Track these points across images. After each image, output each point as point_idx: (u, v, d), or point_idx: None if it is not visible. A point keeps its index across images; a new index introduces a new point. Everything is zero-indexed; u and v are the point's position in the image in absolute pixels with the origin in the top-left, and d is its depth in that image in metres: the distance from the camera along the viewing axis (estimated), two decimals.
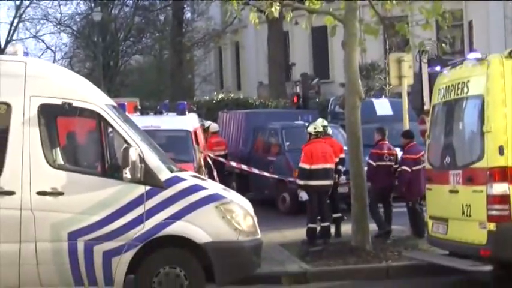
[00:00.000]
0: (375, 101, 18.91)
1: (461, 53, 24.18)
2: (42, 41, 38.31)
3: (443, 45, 10.24)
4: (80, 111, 7.60)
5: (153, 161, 7.55)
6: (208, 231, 7.44)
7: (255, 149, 16.95)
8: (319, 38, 31.05)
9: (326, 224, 11.26)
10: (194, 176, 8.17)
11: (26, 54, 8.36)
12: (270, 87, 29.35)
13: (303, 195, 11.18)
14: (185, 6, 35.24)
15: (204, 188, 7.63)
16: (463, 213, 8.32)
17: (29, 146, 7.39)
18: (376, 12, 10.33)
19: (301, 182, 11.25)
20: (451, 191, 8.58)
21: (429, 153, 9.49)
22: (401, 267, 9.41)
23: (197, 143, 14.03)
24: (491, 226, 7.90)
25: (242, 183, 16.31)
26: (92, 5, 35.69)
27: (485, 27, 28.08)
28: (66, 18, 37.11)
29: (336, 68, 30.99)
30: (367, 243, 10.10)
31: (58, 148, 7.89)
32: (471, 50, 12.26)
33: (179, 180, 7.59)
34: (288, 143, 15.50)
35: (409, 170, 11.15)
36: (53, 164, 7.51)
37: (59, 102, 7.52)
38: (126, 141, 7.51)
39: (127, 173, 7.30)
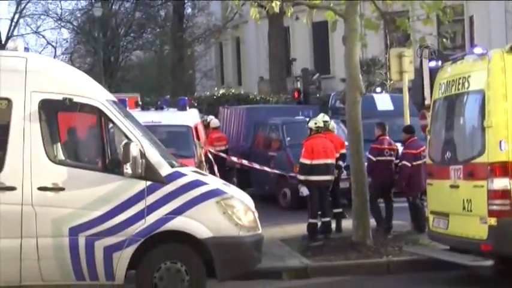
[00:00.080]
0: (376, 96, 18.91)
1: (462, 48, 24.18)
2: (43, 36, 38.33)
3: (444, 40, 10.24)
4: (81, 106, 7.60)
5: (154, 156, 7.56)
6: (209, 226, 7.45)
7: (256, 145, 16.96)
8: (320, 33, 31.01)
9: (327, 219, 11.27)
10: (195, 172, 8.17)
11: (27, 49, 8.39)
12: (271, 83, 29.35)
13: (304, 191, 11.20)
14: (186, 1, 35.23)
15: (204, 183, 7.64)
16: (464, 208, 8.33)
17: (29, 141, 7.39)
18: (376, 7, 10.32)
19: (302, 177, 11.26)
20: (452, 186, 8.58)
21: (430, 148, 9.49)
22: (402, 262, 9.41)
23: (198, 139, 14.03)
24: (492, 221, 7.90)
25: (243, 179, 16.32)
26: (93, 0, 35.66)
27: (486, 22, 28.03)
28: (66, 13, 37.17)
29: (336, 63, 30.96)
30: (368, 238, 10.11)
31: (59, 143, 7.89)
32: (472, 45, 12.20)
33: (180, 175, 7.60)
34: (288, 139, 15.51)
35: (409, 165, 11.16)
36: (53, 160, 7.52)
37: (59, 97, 7.52)
38: (127, 137, 7.51)
39: (128, 169, 7.31)
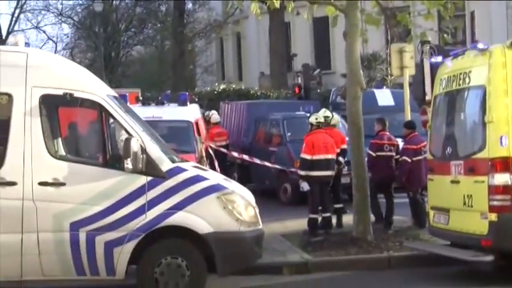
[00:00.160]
0: (377, 91, 18.90)
1: (463, 44, 24.14)
2: (44, 31, 38.29)
3: (445, 35, 10.23)
4: (82, 101, 7.60)
5: (155, 151, 7.56)
6: (209, 221, 7.46)
7: (257, 140, 16.96)
8: (321, 28, 30.98)
9: (327, 214, 11.27)
10: (196, 167, 8.17)
11: (28, 44, 8.37)
12: (272, 78, 29.32)
13: (304, 186, 11.20)
14: None
15: (205, 179, 7.64)
16: (465, 203, 8.33)
17: (30, 136, 7.40)
18: (377, 2, 10.31)
19: (302, 173, 11.26)
20: (453, 182, 8.58)
21: (431, 144, 9.48)
22: (403, 257, 9.42)
23: (199, 134, 14.03)
24: (493, 216, 7.90)
25: (243, 174, 16.33)
26: None
27: (487, 17, 27.98)
28: (67, 8, 37.13)
29: (337, 59, 30.92)
30: (369, 233, 10.12)
31: (60, 139, 7.90)
32: (473, 40, 12.23)
33: (181, 170, 7.60)
34: (289, 134, 15.51)
35: (409, 160, 11.15)
36: (54, 155, 7.52)
37: (60, 92, 7.53)
38: (127, 132, 7.52)
39: (128, 164, 7.32)
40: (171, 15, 34.52)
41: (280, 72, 28.95)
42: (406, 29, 10.59)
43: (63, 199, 7.34)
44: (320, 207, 11.24)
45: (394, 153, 11.54)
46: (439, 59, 9.56)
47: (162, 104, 14.51)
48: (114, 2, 36.64)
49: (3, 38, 33.09)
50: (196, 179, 7.58)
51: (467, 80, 8.61)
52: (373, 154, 11.34)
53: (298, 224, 11.61)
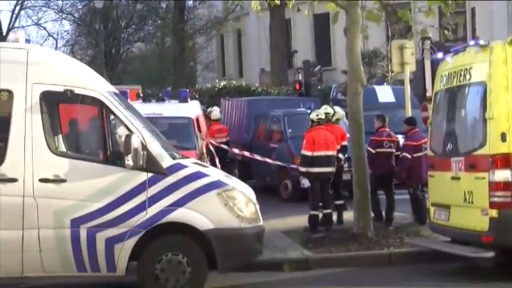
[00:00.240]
0: (377, 88, 18.88)
1: (464, 40, 24.10)
2: (44, 28, 38.27)
3: (446, 32, 10.21)
4: (82, 98, 7.61)
5: (155, 148, 7.56)
6: (210, 218, 7.46)
7: (257, 137, 16.95)
8: (321, 25, 30.94)
9: (328, 211, 11.27)
10: (196, 163, 8.17)
11: (28, 41, 8.39)
12: (272, 75, 29.31)
13: (305, 182, 11.19)
14: None
15: (206, 175, 7.64)
16: (465, 200, 8.33)
17: (31, 133, 7.40)
18: None
19: (303, 169, 11.26)
20: (453, 178, 8.58)
21: (431, 140, 9.48)
22: (403, 254, 9.42)
23: (199, 130, 14.03)
24: (493, 213, 7.91)
25: (244, 171, 16.33)
26: None
27: (488, 13, 27.94)
28: (67, 5, 37.07)
29: (338, 55, 30.90)
30: (369, 230, 10.11)
31: (60, 135, 7.92)
32: (474, 37, 12.23)
33: (181, 167, 7.60)
34: (290, 130, 15.50)
35: (409, 156, 11.15)
36: (55, 151, 7.53)
37: (61, 89, 7.53)
38: (128, 129, 7.51)
39: (129, 160, 7.32)
40: (172, 12, 34.48)
41: (280, 69, 28.93)
42: (406, 25, 10.57)
43: (63, 196, 7.35)
44: (321, 204, 11.24)
45: (393, 150, 11.53)
46: (440, 55, 9.55)
47: (163, 100, 14.52)
48: None
49: (4, 34, 33.07)
50: (197, 176, 7.58)
51: (467, 76, 8.60)
52: (373, 151, 11.33)
53: (299, 220, 11.61)
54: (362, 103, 10.31)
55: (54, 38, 38.26)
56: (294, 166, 13.73)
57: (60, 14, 37.30)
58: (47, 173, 7.35)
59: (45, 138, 7.44)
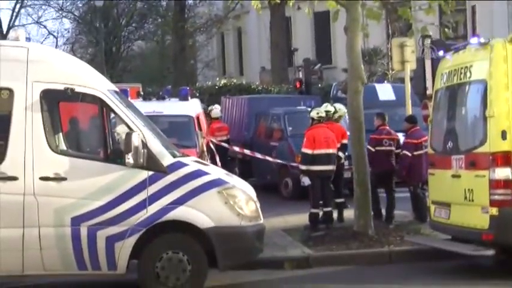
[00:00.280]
0: (378, 86, 18.87)
1: (464, 38, 24.08)
2: (44, 26, 38.25)
3: (446, 29, 10.20)
4: (83, 96, 7.60)
5: (156, 146, 7.56)
6: (210, 216, 7.46)
7: (258, 135, 16.95)
8: (322, 23, 30.91)
9: (328, 209, 11.27)
10: (197, 162, 8.17)
11: (28, 39, 8.41)
12: (273, 73, 29.30)
13: (305, 181, 11.19)
14: None
15: (206, 173, 7.64)
16: (466, 197, 8.33)
17: (31, 131, 7.40)
18: None
19: (303, 167, 11.26)
20: (454, 176, 8.58)
21: (432, 138, 9.48)
22: (404, 252, 9.42)
23: (200, 129, 14.03)
24: (494, 211, 7.91)
25: (245, 169, 16.32)
26: None
27: (488, 11, 27.91)
28: (68, 3, 37.03)
29: (338, 53, 30.91)
30: (370, 228, 10.11)
31: (60, 133, 7.92)
32: (474, 34, 12.22)
33: (182, 165, 7.60)
34: (290, 129, 15.49)
35: (409, 154, 11.14)
36: (55, 150, 7.53)
37: (61, 87, 7.52)
38: (128, 127, 7.51)
39: (129, 159, 7.31)
40: (172, 10, 34.45)
41: (281, 67, 28.92)
42: (407, 23, 10.58)
43: (64, 194, 7.34)
44: (321, 202, 11.24)
45: (393, 148, 11.52)
46: (441, 53, 9.54)
47: (163, 98, 14.51)
48: None
49: (4, 33, 33.05)
50: (198, 174, 7.58)
51: (468, 74, 8.59)
52: (372, 149, 11.30)
53: (299, 218, 11.61)
54: (362, 101, 10.31)
55: (54, 36, 38.29)
56: (294, 164, 13.73)
57: (60, 12, 37.31)
58: (47, 171, 7.35)
59: (46, 137, 7.43)
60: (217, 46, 40.70)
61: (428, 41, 11.42)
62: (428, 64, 12.23)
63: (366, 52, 25.35)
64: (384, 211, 11.44)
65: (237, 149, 15.91)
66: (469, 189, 8.29)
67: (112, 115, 7.73)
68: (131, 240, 7.36)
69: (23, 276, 7.47)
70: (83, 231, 7.33)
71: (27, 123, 7.41)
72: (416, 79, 13.56)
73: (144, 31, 38.40)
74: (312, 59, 28.59)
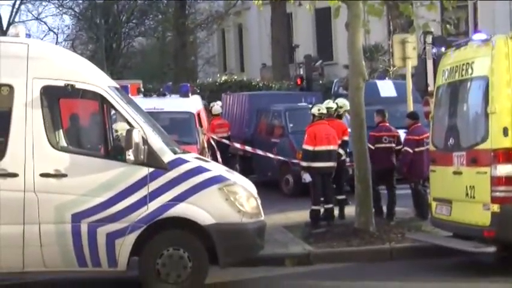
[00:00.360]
0: (379, 82, 18.83)
1: (466, 34, 24.03)
2: (45, 23, 38.22)
3: (448, 26, 10.18)
4: (83, 93, 7.58)
5: (156, 142, 7.54)
6: (211, 213, 7.44)
7: (258, 131, 16.93)
8: (323, 19, 30.88)
9: (330, 206, 11.26)
10: (197, 158, 8.15)
11: (28, 36, 8.34)
12: (274, 69, 29.27)
13: (306, 177, 11.17)
14: None
15: (207, 170, 7.62)
16: (467, 194, 8.31)
17: (31, 128, 7.37)
18: None
19: (304, 164, 11.24)
20: (455, 173, 8.56)
21: (433, 135, 9.46)
22: (405, 248, 9.41)
23: (200, 125, 14.01)
24: (495, 207, 7.89)
25: (245, 166, 16.32)
26: None
27: (490, 8, 27.86)
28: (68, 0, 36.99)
29: (339, 50, 30.85)
30: (371, 225, 10.10)
31: (61, 130, 7.91)
32: (476, 31, 12.17)
33: (182, 162, 7.58)
34: (291, 125, 15.48)
35: (410, 151, 11.12)
36: (56, 146, 7.51)
37: (61, 84, 7.50)
38: (129, 123, 7.49)
39: (130, 155, 7.29)
40: (173, 6, 34.42)
41: (282, 64, 28.89)
42: (408, 19, 10.54)
43: (64, 190, 7.33)
44: (322, 199, 11.22)
45: (394, 145, 11.49)
46: (442, 49, 9.52)
47: (164, 95, 14.49)
48: None
49: (4, 29, 33.05)
50: (198, 170, 7.56)
51: (469, 70, 8.57)
52: (372, 147, 11.23)
53: (300, 215, 11.60)
54: (363, 98, 10.29)
55: (54, 32, 38.24)
56: (295, 161, 13.72)
57: (60, 9, 37.26)
58: (47, 168, 7.33)
59: (46, 133, 7.41)
60: (218, 42, 40.67)
61: (429, 38, 11.39)
62: (429, 60, 12.19)
63: (367, 48, 25.31)
64: (384, 208, 11.42)
65: (238, 145, 15.90)
66: (470, 186, 8.27)
67: (112, 112, 7.70)
68: (132, 237, 7.35)
69: (23, 273, 7.46)
70: (84, 227, 7.32)
71: (28, 120, 7.39)
72: (418, 75, 13.53)
73: (145, 27, 38.35)
74: (313, 55, 28.56)
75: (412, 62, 13.00)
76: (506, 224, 7.85)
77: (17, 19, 35.51)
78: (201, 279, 7.57)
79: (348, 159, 12.11)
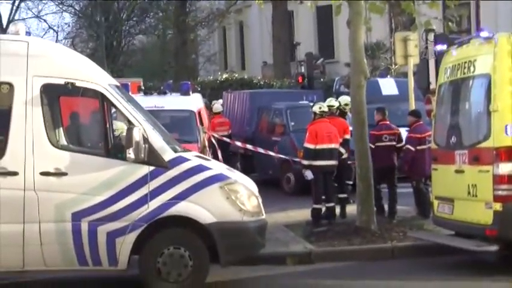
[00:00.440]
0: (381, 80, 18.79)
1: (468, 32, 23.98)
2: (45, 20, 38.26)
3: (450, 23, 10.13)
4: (83, 91, 7.55)
5: (157, 141, 7.51)
6: (212, 211, 7.42)
7: (260, 130, 16.89)
8: (324, 17, 30.87)
9: (331, 204, 11.22)
10: (198, 156, 8.13)
11: (28, 33, 8.30)
12: (275, 67, 29.24)
13: (308, 174, 11.11)
14: None
15: (208, 168, 7.59)
16: (469, 193, 8.28)
17: (31, 126, 7.34)
18: None
19: (305, 162, 11.21)
20: (457, 171, 8.53)
21: (435, 133, 9.42)
22: (407, 247, 9.38)
23: (201, 123, 13.98)
24: (498, 206, 7.86)
25: (247, 164, 16.29)
26: None
27: (492, 5, 27.80)
28: None
29: (341, 48, 30.83)
30: (372, 223, 10.07)
31: (61, 128, 7.87)
32: (478, 28, 12.15)
33: (183, 160, 7.55)
34: (292, 123, 15.43)
35: (412, 149, 11.08)
36: (56, 145, 7.48)
37: (61, 82, 7.47)
38: (129, 122, 7.47)
39: (131, 154, 7.27)
40: (173, 4, 34.39)
41: (283, 62, 28.87)
42: (410, 17, 10.49)
43: (64, 189, 7.30)
44: (324, 197, 11.19)
45: (394, 143, 11.45)
46: (444, 47, 9.48)
47: (164, 93, 14.46)
48: None
49: (4, 27, 33.02)
50: (199, 169, 7.53)
51: (472, 68, 8.54)
52: (372, 146, 11.18)
53: (302, 214, 11.57)
54: (365, 96, 10.25)
55: (54, 30, 38.26)
56: (296, 159, 13.68)
57: (60, 7, 37.27)
58: (47, 166, 7.30)
59: (46, 131, 7.38)
60: (218, 40, 40.65)
61: (431, 35, 11.36)
62: (431, 58, 12.15)
63: (369, 46, 25.30)
64: (386, 207, 11.39)
65: (239, 143, 15.86)
66: (472, 185, 8.24)
67: (113, 110, 7.67)
68: (132, 236, 7.32)
69: (23, 271, 7.43)
70: (84, 226, 7.29)
71: (28, 118, 7.36)
72: (420, 73, 13.50)
73: (145, 25, 38.34)
74: (315, 53, 28.53)
75: (414, 59, 12.97)
76: (509, 223, 7.82)
77: (16, 17, 35.54)
78: (202, 278, 7.54)
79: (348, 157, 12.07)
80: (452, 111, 9.07)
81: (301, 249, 9.45)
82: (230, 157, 15.92)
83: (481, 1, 20.15)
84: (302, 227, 10.79)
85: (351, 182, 11.85)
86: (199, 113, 14.17)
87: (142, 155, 7.32)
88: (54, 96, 7.68)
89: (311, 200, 11.23)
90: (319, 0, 10.94)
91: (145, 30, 38.66)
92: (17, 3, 35.66)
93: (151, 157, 7.37)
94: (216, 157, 13.22)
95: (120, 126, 8.29)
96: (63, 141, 7.77)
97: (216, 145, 14.69)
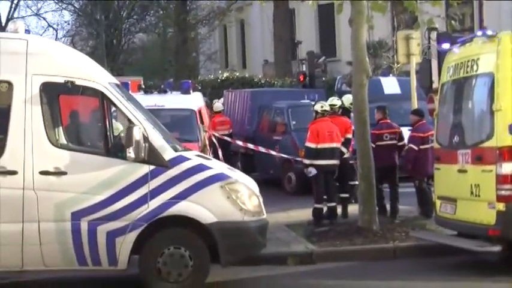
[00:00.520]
0: (383, 79, 18.74)
1: (471, 30, 23.92)
2: (44, 19, 38.34)
3: (453, 22, 10.09)
4: (83, 89, 7.50)
5: (157, 140, 7.46)
6: (213, 211, 7.37)
7: (261, 129, 16.84)
8: (326, 15, 30.82)
9: (332, 204, 11.18)
10: (199, 156, 8.08)
11: (28, 32, 8.25)
12: (276, 66, 29.21)
13: (312, 170, 11.00)
14: None
15: (209, 168, 7.55)
16: (472, 193, 8.23)
17: (31, 125, 7.30)
18: None
19: (307, 162, 11.15)
20: (460, 171, 8.48)
21: (437, 132, 9.38)
22: (409, 247, 9.34)
23: (202, 122, 13.93)
24: (501, 206, 7.82)
25: (247, 163, 16.24)
26: None
27: (495, 3, 27.74)
28: None
29: (342, 46, 30.79)
30: (374, 223, 10.02)
31: (61, 127, 7.84)
32: (481, 27, 12.10)
33: (184, 159, 7.50)
34: (294, 122, 15.38)
35: (415, 148, 11.03)
36: (55, 144, 7.44)
37: (61, 80, 7.42)
38: (129, 120, 7.42)
39: (131, 153, 7.22)
40: (174, 2, 34.35)
41: (284, 60, 28.83)
42: (412, 15, 10.44)
43: (64, 188, 7.25)
44: (325, 197, 11.13)
45: (395, 142, 11.39)
46: (447, 45, 9.42)
47: (165, 92, 14.42)
48: None
49: (3, 25, 32.99)
50: (200, 168, 7.48)
51: (475, 67, 8.48)
52: (373, 145, 11.10)
53: (303, 213, 11.53)
54: (367, 95, 10.20)
55: (54, 28, 38.25)
56: (298, 159, 13.63)
57: (60, 4, 37.25)
58: (47, 166, 7.26)
59: (46, 130, 7.34)
60: (219, 39, 40.63)
61: (434, 34, 11.30)
62: (434, 57, 12.10)
63: (371, 45, 25.22)
64: (388, 207, 11.34)
65: (239, 143, 15.81)
66: (475, 184, 8.19)
67: (113, 109, 7.62)
68: (132, 235, 7.27)
69: (23, 271, 7.39)
70: (84, 226, 7.24)
71: (27, 117, 7.31)
72: (422, 72, 13.45)
73: (146, 23, 38.31)
74: (316, 52, 28.48)
75: (417, 58, 12.92)
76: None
77: (16, 15, 35.50)
78: (202, 278, 7.50)
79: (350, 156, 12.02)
80: (455, 111, 9.02)
81: (303, 249, 9.40)
82: (231, 156, 15.87)
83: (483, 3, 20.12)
84: (303, 227, 10.75)
85: (357, 183, 11.76)
86: (199, 112, 14.12)
87: (143, 154, 7.28)
88: (53, 94, 7.63)
89: (312, 199, 11.18)
90: None
91: (145, 28, 38.63)
92: (16, 1, 35.66)
93: (152, 156, 7.33)
94: (216, 156, 13.17)
95: (117, 127, 8.25)
96: (63, 140, 7.73)
97: (217, 144, 14.64)
